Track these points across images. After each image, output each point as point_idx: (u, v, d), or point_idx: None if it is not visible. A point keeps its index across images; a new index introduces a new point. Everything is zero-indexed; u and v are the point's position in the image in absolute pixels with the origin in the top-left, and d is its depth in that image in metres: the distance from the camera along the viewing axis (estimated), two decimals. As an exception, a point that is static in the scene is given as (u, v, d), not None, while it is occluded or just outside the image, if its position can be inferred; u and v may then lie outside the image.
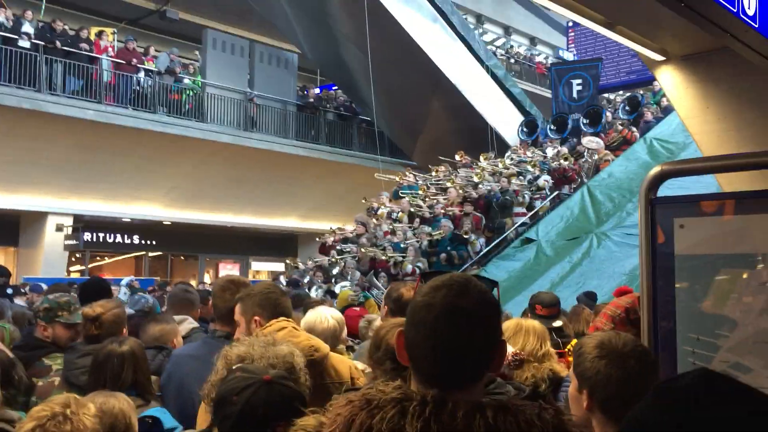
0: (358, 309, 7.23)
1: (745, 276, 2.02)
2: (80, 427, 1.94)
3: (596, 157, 15.06)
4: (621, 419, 1.79)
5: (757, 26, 4.30)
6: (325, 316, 3.63)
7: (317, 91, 24.29)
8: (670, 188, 2.29)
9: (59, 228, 18.32)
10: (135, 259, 23.09)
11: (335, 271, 13.57)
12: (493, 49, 27.00)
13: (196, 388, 2.81)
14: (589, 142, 15.76)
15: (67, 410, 1.96)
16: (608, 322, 2.81)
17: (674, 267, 2.12)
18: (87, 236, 19.88)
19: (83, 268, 21.24)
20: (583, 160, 15.25)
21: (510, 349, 3.27)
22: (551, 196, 14.45)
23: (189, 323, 4.17)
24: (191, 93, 19.09)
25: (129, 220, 20.53)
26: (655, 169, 2.27)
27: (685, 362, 2.06)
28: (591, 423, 1.84)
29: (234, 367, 1.89)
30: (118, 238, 21.64)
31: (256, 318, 2.79)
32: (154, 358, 3.34)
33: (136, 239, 22.05)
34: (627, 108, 17.37)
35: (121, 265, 22.67)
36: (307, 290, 11.75)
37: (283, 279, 14.31)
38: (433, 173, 16.78)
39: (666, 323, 2.12)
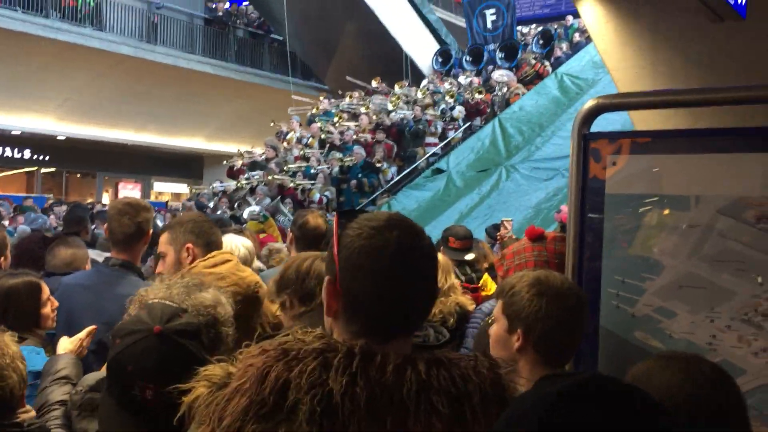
0: (264, 236, 7.05)
1: (673, 218, 1.97)
2: (10, 352, 1.89)
3: (506, 90, 15.13)
4: (553, 359, 1.75)
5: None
6: (235, 244, 3.41)
7: (227, 5, 23.09)
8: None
9: (-61, 138, 16.96)
10: (26, 175, 21.77)
11: (242, 195, 13.20)
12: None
13: (87, 321, 2.58)
14: (500, 76, 15.82)
15: None
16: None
17: (604, 205, 2.05)
18: (-28, 149, 18.61)
19: (-32, 182, 19.89)
20: (494, 93, 15.29)
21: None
22: (463, 127, 14.49)
23: None
24: (88, -2, 17.71)
25: (19, 132, 19.20)
26: (590, 103, 2.15)
27: (609, 305, 2.01)
28: (516, 365, 1.76)
29: (149, 302, 1.61)
30: (8, 152, 20.33)
31: (189, 246, 2.53)
32: None
33: (27, 153, 20.77)
34: (540, 42, 17.43)
35: (12, 181, 21.34)
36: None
37: (186, 203, 13.86)
38: (347, 99, 16.42)
39: (592, 264, 2.05)
